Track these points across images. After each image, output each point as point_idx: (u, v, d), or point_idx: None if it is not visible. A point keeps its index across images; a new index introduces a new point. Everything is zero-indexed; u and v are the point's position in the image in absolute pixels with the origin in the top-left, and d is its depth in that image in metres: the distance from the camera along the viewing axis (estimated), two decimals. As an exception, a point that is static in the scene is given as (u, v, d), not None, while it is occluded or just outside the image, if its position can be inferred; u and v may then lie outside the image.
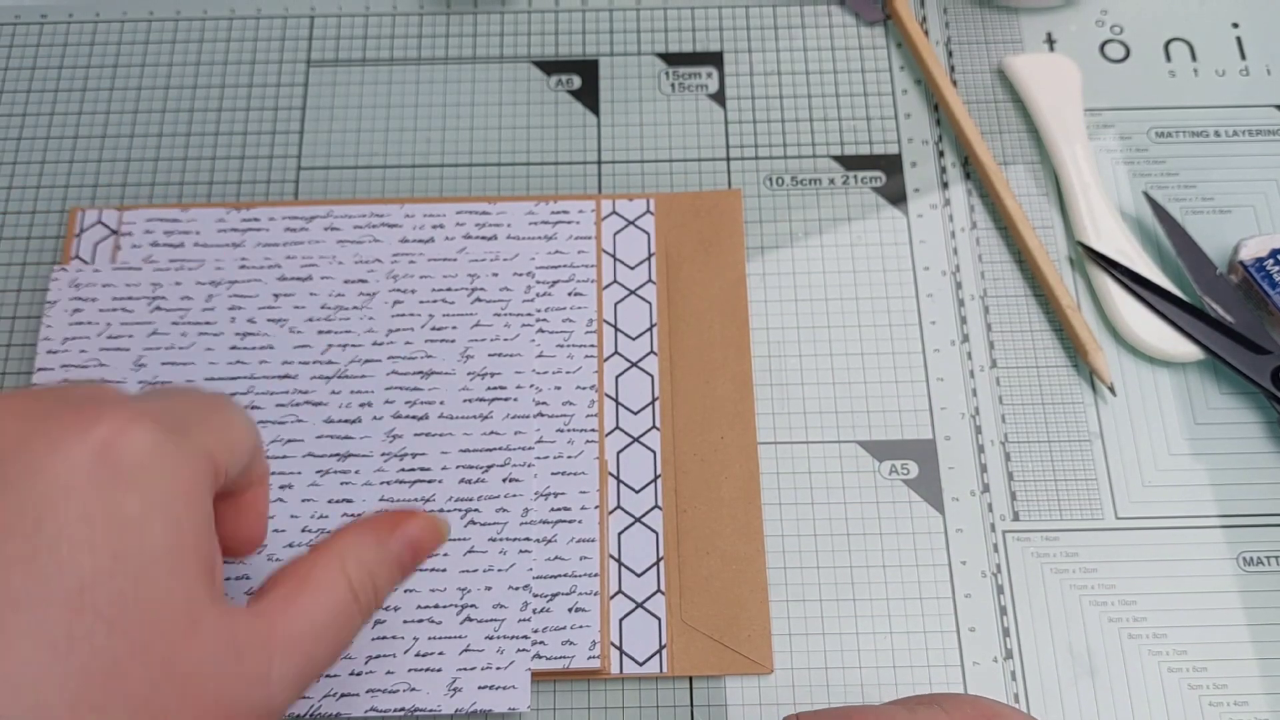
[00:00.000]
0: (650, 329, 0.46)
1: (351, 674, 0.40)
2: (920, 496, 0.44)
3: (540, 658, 0.41)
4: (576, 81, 0.52)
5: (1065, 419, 0.45)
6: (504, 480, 0.43)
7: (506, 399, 0.44)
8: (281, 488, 0.43)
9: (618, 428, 0.45)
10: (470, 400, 0.44)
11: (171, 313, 0.46)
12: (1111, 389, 0.45)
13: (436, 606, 0.41)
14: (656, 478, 0.44)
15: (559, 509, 0.43)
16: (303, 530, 0.42)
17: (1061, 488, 0.44)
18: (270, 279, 0.46)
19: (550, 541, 0.42)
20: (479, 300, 0.46)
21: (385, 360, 0.45)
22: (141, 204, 0.49)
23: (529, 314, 0.46)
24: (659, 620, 0.42)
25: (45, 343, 0.45)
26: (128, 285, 0.46)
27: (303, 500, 0.43)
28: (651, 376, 0.45)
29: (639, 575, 0.42)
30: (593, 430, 0.44)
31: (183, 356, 0.45)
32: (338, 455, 0.43)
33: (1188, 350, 0.45)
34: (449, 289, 0.46)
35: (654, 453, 0.44)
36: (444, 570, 0.42)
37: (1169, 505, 0.44)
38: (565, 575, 0.42)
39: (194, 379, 0.44)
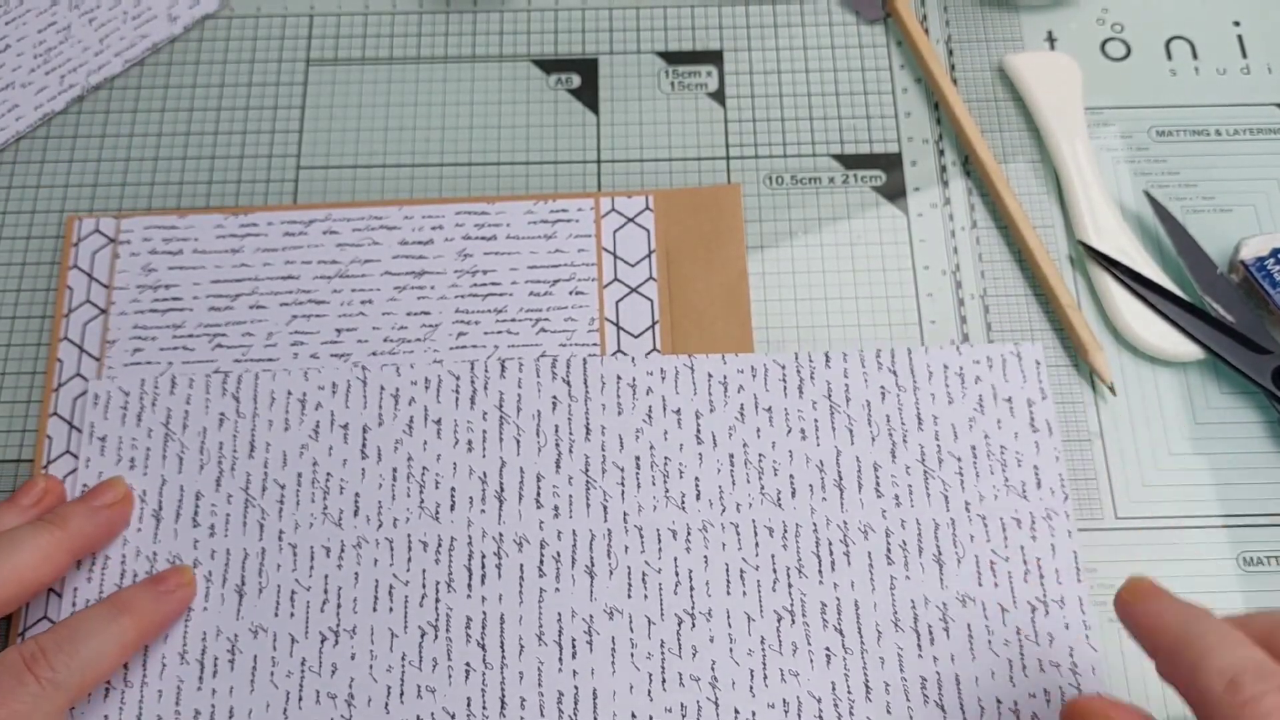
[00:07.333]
0: (653, 326, 0.46)
1: None
2: (920, 497, 0.44)
3: None
4: (576, 80, 0.52)
5: (1065, 419, 0.45)
6: None
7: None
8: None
9: (618, 428, 0.45)
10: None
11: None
12: (1111, 388, 0.45)
13: None
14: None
15: None
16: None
17: (1061, 488, 0.44)
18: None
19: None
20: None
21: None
22: (139, 211, 0.49)
23: (530, 313, 0.46)
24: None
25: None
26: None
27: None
28: (652, 377, 0.45)
29: None
30: (594, 431, 0.44)
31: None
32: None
33: (1188, 350, 0.45)
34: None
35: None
36: None
37: (1169, 505, 0.44)
38: None
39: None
